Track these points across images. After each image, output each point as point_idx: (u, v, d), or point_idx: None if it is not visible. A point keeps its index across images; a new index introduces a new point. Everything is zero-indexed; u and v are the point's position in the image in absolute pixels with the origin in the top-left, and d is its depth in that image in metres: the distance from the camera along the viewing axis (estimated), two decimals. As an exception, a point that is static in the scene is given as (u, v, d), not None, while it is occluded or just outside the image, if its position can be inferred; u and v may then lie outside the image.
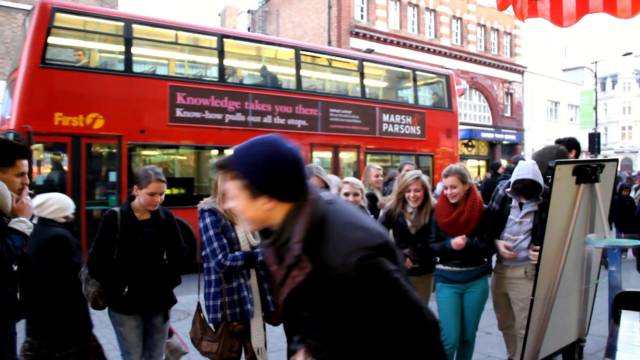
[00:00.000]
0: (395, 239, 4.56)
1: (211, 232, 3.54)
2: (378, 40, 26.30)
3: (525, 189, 4.09)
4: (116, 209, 3.75)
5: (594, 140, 29.56)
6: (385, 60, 17.35)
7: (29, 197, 3.39)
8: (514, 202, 4.27)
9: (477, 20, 32.13)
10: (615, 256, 2.59)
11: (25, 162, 3.33)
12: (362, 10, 26.59)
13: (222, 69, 11.54)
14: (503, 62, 33.43)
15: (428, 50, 28.80)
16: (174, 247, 3.95)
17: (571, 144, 5.57)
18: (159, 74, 11.55)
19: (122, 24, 10.43)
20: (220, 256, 3.48)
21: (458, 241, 4.26)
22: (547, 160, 5.31)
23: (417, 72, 15.60)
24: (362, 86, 13.98)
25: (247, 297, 3.61)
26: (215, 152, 11.45)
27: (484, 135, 30.94)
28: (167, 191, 10.13)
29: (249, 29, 33.22)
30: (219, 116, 11.17)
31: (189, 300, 7.90)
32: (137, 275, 3.68)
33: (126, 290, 3.66)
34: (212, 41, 11.61)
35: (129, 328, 3.75)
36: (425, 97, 16.71)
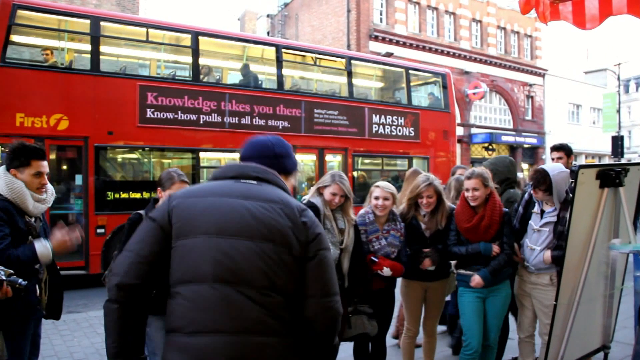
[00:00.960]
0: (408, 242, 4.54)
1: None
2: (397, 43, 26.23)
3: (535, 175, 4.05)
4: (141, 211, 3.81)
5: (617, 143, 29.15)
6: (376, 59, 16.81)
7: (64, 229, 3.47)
8: (536, 208, 4.22)
9: (497, 22, 31.90)
10: (640, 261, 2.56)
11: (43, 162, 3.43)
12: (381, 14, 26.56)
13: (196, 68, 11.12)
14: (524, 64, 33.14)
15: (447, 54, 28.66)
16: None
17: (569, 150, 5.54)
18: (128, 73, 11.08)
19: (88, 21, 10.06)
20: None
21: (478, 281, 4.26)
22: (501, 169, 5.22)
23: (410, 71, 15.03)
24: (350, 85, 13.44)
25: None
26: (189, 154, 11.06)
27: (504, 138, 30.65)
28: (138, 195, 10.15)
29: (268, 33, 33.39)
30: (193, 117, 10.79)
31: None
32: None
33: (155, 291, 3.69)
34: (186, 39, 11.21)
35: (155, 328, 3.79)
36: (420, 97, 16.13)
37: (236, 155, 11.66)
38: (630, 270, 3.49)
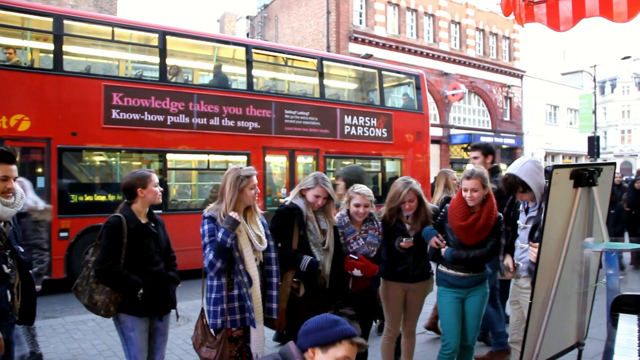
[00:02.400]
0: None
1: (206, 239, 3.64)
2: (377, 45, 26.34)
3: (506, 183, 4.05)
4: (119, 214, 3.80)
5: (594, 143, 29.59)
6: (348, 60, 16.66)
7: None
8: (522, 206, 4.23)
9: (476, 24, 32.20)
10: (612, 260, 2.59)
11: (10, 166, 3.34)
12: (360, 16, 26.64)
13: (163, 68, 10.88)
14: (502, 66, 33.48)
15: (427, 55, 28.84)
16: (169, 247, 4.08)
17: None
18: (92, 73, 10.69)
19: (51, 19, 9.74)
20: (210, 255, 3.56)
21: (444, 251, 4.31)
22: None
23: (383, 72, 14.84)
24: (322, 86, 13.26)
25: (249, 307, 3.64)
26: (156, 156, 10.80)
27: (483, 139, 30.86)
28: (103, 197, 10.01)
29: (247, 35, 33.29)
30: (160, 118, 10.56)
31: (188, 306, 7.90)
32: (148, 276, 3.76)
33: (141, 291, 3.71)
34: (153, 38, 10.96)
35: (139, 332, 3.80)
36: (394, 98, 16.03)
37: (204, 157, 11.37)
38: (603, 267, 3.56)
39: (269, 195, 12.45)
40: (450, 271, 4.37)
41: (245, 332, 3.74)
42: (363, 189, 4.44)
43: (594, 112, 34.33)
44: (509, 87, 33.82)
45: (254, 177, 3.81)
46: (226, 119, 11.37)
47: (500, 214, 4.41)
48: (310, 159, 13.12)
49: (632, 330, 1.99)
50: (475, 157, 5.53)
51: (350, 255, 4.26)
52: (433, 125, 29.14)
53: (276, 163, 13.05)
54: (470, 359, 4.59)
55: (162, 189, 3.93)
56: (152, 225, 3.90)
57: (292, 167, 12.55)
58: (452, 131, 30.11)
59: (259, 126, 11.84)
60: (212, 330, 3.71)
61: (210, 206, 3.82)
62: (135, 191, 3.85)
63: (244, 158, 11.63)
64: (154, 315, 3.86)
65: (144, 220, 3.86)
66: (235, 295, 3.66)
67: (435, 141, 29.40)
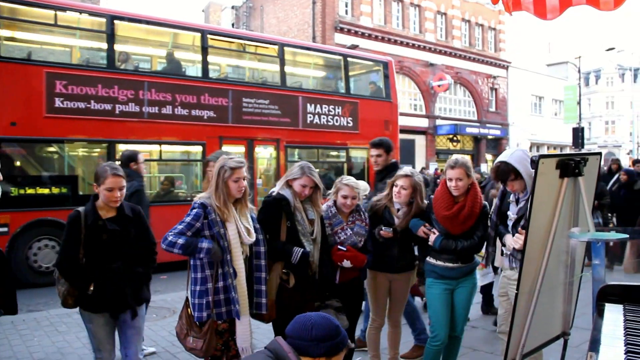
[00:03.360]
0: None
1: (187, 219, 3.59)
2: (363, 35, 26.29)
3: (498, 171, 4.01)
4: (80, 209, 3.73)
5: (578, 134, 29.81)
6: (311, 46, 16.16)
7: None
8: (512, 197, 4.20)
9: (462, 15, 32.25)
10: (598, 250, 2.59)
11: None
12: (346, 6, 26.57)
13: (111, 54, 10.34)
14: (488, 57, 33.60)
15: (413, 46, 28.86)
16: (144, 243, 3.92)
17: (388, 146, 5.49)
18: (33, 59, 10.04)
19: None
20: (170, 233, 3.52)
21: (431, 238, 4.28)
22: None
23: (349, 59, 14.44)
24: (283, 73, 12.74)
25: (233, 298, 3.61)
26: (104, 146, 10.30)
27: (469, 130, 31.07)
28: (46, 191, 9.69)
29: (232, 25, 33.05)
30: (107, 107, 10.08)
31: (174, 298, 7.87)
32: (103, 274, 3.67)
33: (92, 288, 3.65)
34: (100, 23, 10.41)
35: (97, 325, 3.74)
36: (362, 86, 15.49)
37: (156, 148, 10.95)
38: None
39: (261, 188, 12.24)
40: (439, 262, 4.36)
41: (231, 326, 3.72)
42: (351, 180, 4.41)
43: (579, 103, 34.60)
44: (494, 78, 33.97)
45: (242, 170, 3.72)
46: (180, 107, 10.95)
47: (486, 203, 4.41)
48: (270, 149, 12.77)
49: (618, 319, 1.99)
50: (378, 155, 5.48)
51: (338, 247, 4.24)
52: (419, 116, 29.29)
53: (234, 153, 12.64)
54: (458, 349, 4.60)
55: (120, 194, 3.73)
56: (118, 220, 3.76)
57: (251, 157, 12.15)
58: (438, 122, 30.19)
59: (215, 115, 11.43)
60: (197, 322, 3.67)
61: (201, 194, 3.76)
62: (94, 186, 3.77)
63: (199, 148, 11.31)
64: (108, 312, 3.76)
65: (107, 215, 3.73)
66: (221, 287, 3.62)
67: (421, 132, 29.52)
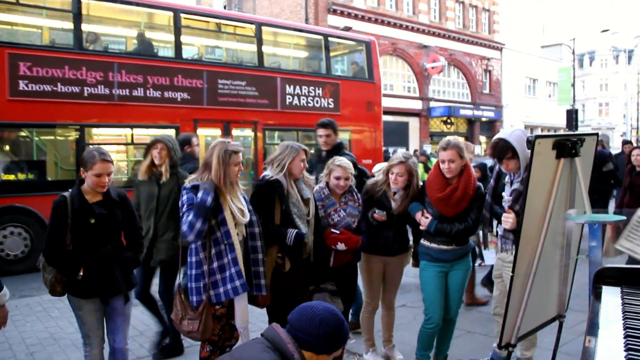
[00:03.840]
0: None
1: (184, 208, 3.53)
2: (356, 17, 26.08)
3: (496, 147, 4.00)
4: (66, 193, 3.66)
5: (572, 116, 29.82)
6: (290, 25, 15.63)
7: None
8: (507, 178, 4.18)
9: (456, -4, 32.06)
10: (595, 231, 2.56)
11: None
12: (340, -13, 26.31)
13: (79, 35, 9.94)
14: (481, 39, 33.45)
15: (406, 28, 28.67)
16: (130, 228, 3.88)
17: (335, 126, 5.45)
18: None
19: None
20: (183, 217, 3.47)
21: (424, 222, 4.26)
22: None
23: (330, 39, 13.96)
24: (260, 54, 12.37)
25: (232, 274, 3.55)
26: (72, 130, 9.99)
27: (462, 112, 31.03)
28: (12, 177, 9.40)
29: (225, 7, 32.68)
30: (75, 89, 9.70)
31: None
32: (92, 259, 3.62)
33: (81, 274, 3.59)
34: (66, 2, 9.94)
35: (87, 312, 3.69)
36: (342, 67, 15.26)
37: (127, 131, 10.61)
38: (585, 240, 3.55)
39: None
40: (433, 245, 4.33)
41: (229, 310, 3.67)
42: (344, 161, 4.37)
43: (573, 85, 34.53)
44: (488, 59, 33.85)
45: (240, 155, 3.70)
46: (152, 89, 10.63)
47: (480, 184, 4.37)
48: (248, 132, 12.46)
49: (615, 303, 1.96)
50: (327, 136, 5.44)
51: (332, 230, 4.20)
52: (412, 98, 29.20)
53: (210, 137, 12.30)
54: (452, 331, 4.59)
55: (107, 180, 3.66)
56: (105, 205, 3.69)
57: (263, 142, 12.10)
58: (432, 104, 30.12)
59: (189, 97, 11.12)
60: (193, 306, 3.62)
61: (191, 177, 3.70)
62: (80, 170, 3.70)
63: (172, 132, 10.85)
64: (98, 297, 3.71)
65: (94, 200, 3.66)
66: (216, 268, 3.56)
67: (415, 114, 29.45)
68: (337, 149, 5.43)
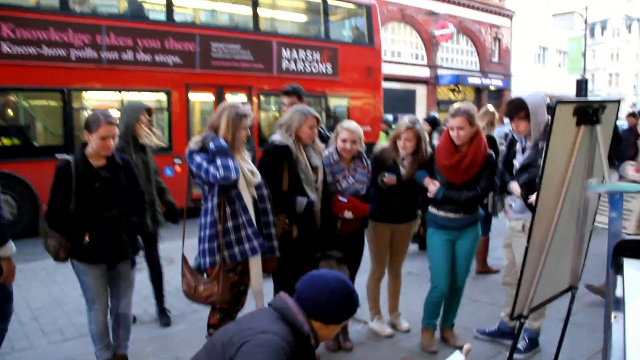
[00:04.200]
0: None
1: (204, 164, 3.36)
2: (365, -19, 25.55)
3: (511, 104, 3.95)
4: (69, 157, 3.58)
5: (582, 86, 29.44)
6: None
7: None
8: (518, 146, 4.09)
9: (466, -38, 31.36)
10: (616, 202, 2.46)
11: None
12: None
13: None
14: (492, 6, 32.82)
15: (416, -7, 28.14)
16: (134, 192, 3.80)
17: (300, 93, 5.35)
18: None
19: None
20: (211, 168, 3.30)
21: (432, 189, 4.17)
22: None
23: (328, 2, 13.41)
24: (255, 17, 12.01)
25: (249, 235, 3.47)
26: (58, 95, 9.65)
27: (470, 80, 30.66)
28: None
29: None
30: (62, 52, 9.41)
31: (171, 247, 7.76)
32: (98, 223, 3.55)
33: (87, 239, 3.52)
34: None
35: (92, 277, 3.63)
36: (341, 31, 14.73)
37: (117, 96, 10.27)
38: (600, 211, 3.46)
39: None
40: (441, 212, 4.26)
41: (240, 276, 3.60)
42: (352, 124, 4.29)
43: (584, 54, 33.98)
44: (498, 27, 33.29)
45: (249, 119, 3.59)
46: (142, 53, 10.33)
47: (491, 152, 4.27)
48: (242, 97, 12.02)
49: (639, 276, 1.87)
50: (292, 103, 5.29)
51: (339, 198, 4.12)
52: (420, 66, 28.83)
53: (202, 102, 12.13)
54: (459, 300, 4.54)
55: (113, 143, 3.56)
56: (109, 169, 3.62)
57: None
58: (440, 72, 29.76)
59: (180, 61, 10.81)
60: (205, 270, 3.54)
61: (195, 138, 3.57)
62: (84, 133, 3.60)
63: (163, 97, 10.84)
64: (105, 263, 3.66)
65: (98, 164, 3.58)
66: (231, 228, 3.46)
67: (422, 82, 29.12)
68: None
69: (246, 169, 3.56)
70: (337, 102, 13.57)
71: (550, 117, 2.57)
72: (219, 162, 3.29)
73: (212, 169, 3.30)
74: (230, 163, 3.31)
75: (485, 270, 6.50)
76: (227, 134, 3.45)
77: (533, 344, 4.25)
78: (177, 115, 10.94)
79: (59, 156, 3.54)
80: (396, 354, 4.30)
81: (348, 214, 4.09)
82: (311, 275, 2.19)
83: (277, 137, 3.99)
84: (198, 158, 3.40)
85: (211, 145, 3.35)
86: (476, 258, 6.23)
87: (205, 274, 3.57)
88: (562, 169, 2.65)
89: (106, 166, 3.61)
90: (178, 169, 10.66)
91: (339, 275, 2.19)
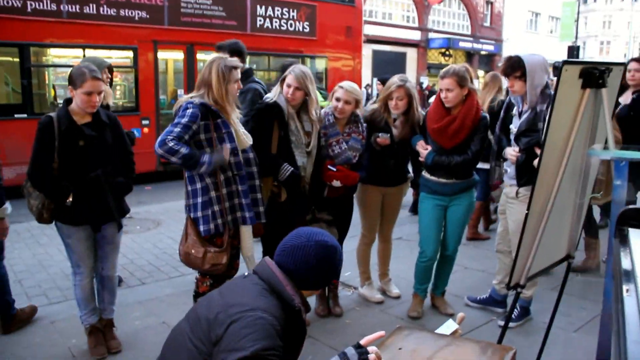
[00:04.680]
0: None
1: (181, 120, 3.19)
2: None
3: (509, 62, 3.85)
4: (52, 114, 3.41)
5: (573, 53, 29.27)
6: None
7: None
8: (515, 110, 3.99)
9: None
10: (621, 169, 2.37)
11: None
12: None
13: None
14: (485, -32, 32.37)
15: (409, -46, 27.60)
16: (121, 152, 3.65)
17: (233, 49, 4.95)
18: None
19: None
20: (168, 136, 3.11)
21: (422, 153, 4.12)
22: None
23: None
24: None
25: (243, 204, 3.41)
26: (14, 50, 9.06)
27: (462, 44, 30.43)
28: None
29: None
30: (17, 3, 8.80)
31: (159, 209, 7.71)
32: (82, 184, 3.40)
33: (70, 200, 3.38)
34: None
35: (77, 240, 3.52)
36: None
37: (79, 52, 9.61)
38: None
39: (164, 97, 11.30)
40: (433, 177, 4.18)
41: (232, 240, 3.51)
42: (350, 84, 4.13)
43: (576, 20, 33.70)
44: (491, -9, 32.89)
45: (239, 71, 3.44)
46: (105, 6, 9.70)
47: (486, 115, 4.16)
48: (214, 55, 11.60)
49: (647, 246, 1.78)
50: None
51: (329, 166, 4.03)
52: (411, 28, 28.47)
53: (171, 59, 11.69)
54: (450, 268, 4.49)
55: (98, 99, 3.38)
56: (94, 126, 3.45)
57: (191, 64, 11.01)
58: (431, 35, 29.45)
59: (147, 16, 10.25)
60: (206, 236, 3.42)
61: (192, 95, 3.40)
62: (69, 89, 3.42)
63: (130, 54, 10.33)
64: (89, 225, 3.53)
65: (82, 121, 3.42)
66: (224, 195, 3.36)
67: (413, 45, 28.81)
68: (247, 76, 5.12)
69: (240, 130, 3.44)
70: (314, 63, 13.14)
71: (556, 78, 2.46)
72: (180, 145, 3.13)
73: (172, 128, 3.17)
74: (174, 157, 3.13)
75: (475, 237, 6.45)
76: (219, 89, 3.31)
77: (524, 312, 4.22)
78: (144, 74, 10.47)
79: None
80: (387, 320, 4.25)
81: (336, 183, 4.03)
82: (293, 247, 2.04)
83: (270, 95, 3.89)
84: (190, 110, 3.22)
85: (203, 158, 3.21)
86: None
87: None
88: (566, 133, 2.54)
89: (91, 123, 3.45)
90: (146, 130, 10.34)
91: (319, 238, 2.04)
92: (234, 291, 2.02)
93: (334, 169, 4.03)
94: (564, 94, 2.41)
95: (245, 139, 3.46)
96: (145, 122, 10.35)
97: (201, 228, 3.35)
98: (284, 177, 3.75)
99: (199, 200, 3.36)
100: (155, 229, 6.79)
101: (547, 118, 2.50)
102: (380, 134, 4.23)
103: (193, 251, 3.38)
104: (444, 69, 4.06)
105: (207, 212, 3.34)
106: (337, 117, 4.11)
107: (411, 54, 29.02)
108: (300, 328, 2.08)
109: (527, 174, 3.82)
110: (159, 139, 3.14)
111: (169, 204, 7.89)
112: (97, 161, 3.44)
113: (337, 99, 4.06)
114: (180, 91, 11.22)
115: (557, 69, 2.38)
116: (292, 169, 3.75)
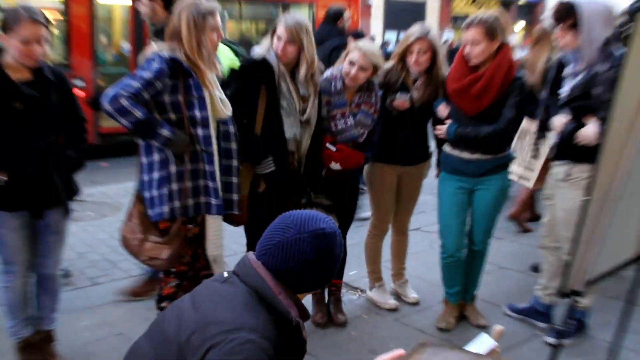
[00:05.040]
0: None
1: (143, 74, 3.13)
2: None
3: (559, 7, 3.73)
4: None
5: None
6: None
7: None
8: (567, 71, 3.88)
9: None
10: None
11: None
12: None
13: None
14: None
15: None
16: (71, 117, 3.56)
17: None
18: None
19: None
20: (122, 91, 3.03)
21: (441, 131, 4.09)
22: None
23: None
24: None
25: (210, 187, 3.35)
26: None
27: (497, -7, 30.30)
28: None
29: None
30: None
31: (118, 190, 7.69)
32: (21, 157, 3.30)
33: (5, 178, 3.27)
34: None
35: (11, 229, 3.42)
36: None
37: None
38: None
39: (106, 51, 11.34)
40: (455, 151, 4.09)
41: (202, 230, 3.47)
42: (369, 47, 4.04)
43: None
44: None
45: (217, 16, 3.33)
46: None
47: (520, 75, 4.07)
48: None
49: None
50: (152, 9, 4.85)
51: (327, 144, 4.00)
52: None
53: (113, 6, 11.62)
54: (480, 266, 4.43)
55: (40, 50, 3.25)
56: (36, 85, 3.34)
57: (138, 13, 11.20)
58: (457, -19, 29.38)
59: None
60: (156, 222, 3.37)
61: (163, 45, 3.31)
62: None
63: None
64: (28, 210, 3.45)
65: (20, 77, 3.29)
66: (188, 171, 3.30)
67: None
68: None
69: (218, 97, 3.38)
70: (298, 11, 12.90)
71: (626, 27, 2.35)
72: (132, 102, 3.04)
73: (128, 80, 3.10)
74: (128, 117, 3.05)
75: (519, 219, 6.44)
76: (190, 41, 3.22)
77: (581, 326, 4.16)
78: (77, 24, 10.25)
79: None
80: (402, 332, 4.24)
81: (335, 166, 4.02)
82: (281, 244, 1.90)
83: (257, 50, 3.83)
84: (156, 65, 3.16)
85: (162, 129, 3.14)
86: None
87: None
88: (637, 100, 2.44)
89: (32, 81, 3.34)
90: (80, 92, 10.21)
91: (313, 229, 1.91)
92: (211, 301, 1.89)
93: (334, 148, 3.99)
94: (637, 48, 2.30)
95: (222, 107, 3.39)
96: (78, 82, 9.99)
97: (151, 211, 3.31)
98: (262, 172, 3.76)
99: (155, 175, 3.30)
100: (113, 215, 6.74)
101: (611, 80, 2.40)
102: (398, 94, 4.16)
103: (129, 236, 3.38)
104: (468, 19, 3.96)
105: (163, 191, 3.28)
106: (347, 84, 4.01)
107: (432, 2, 28.92)
108: (298, 346, 1.98)
109: (573, 150, 3.74)
110: (110, 92, 3.05)
111: (130, 184, 7.80)
112: (39, 129, 3.36)
113: (351, 62, 3.96)
114: (125, 44, 11.17)
115: (631, 14, 2.27)
116: (274, 168, 3.75)
